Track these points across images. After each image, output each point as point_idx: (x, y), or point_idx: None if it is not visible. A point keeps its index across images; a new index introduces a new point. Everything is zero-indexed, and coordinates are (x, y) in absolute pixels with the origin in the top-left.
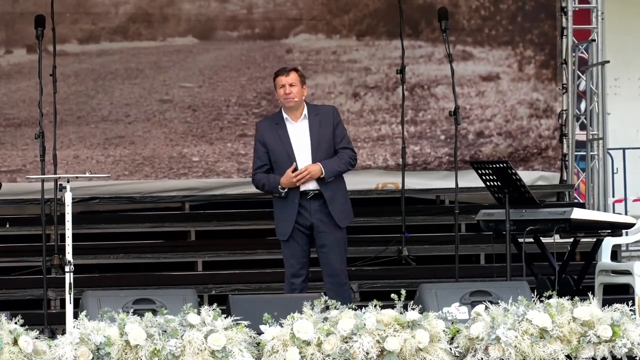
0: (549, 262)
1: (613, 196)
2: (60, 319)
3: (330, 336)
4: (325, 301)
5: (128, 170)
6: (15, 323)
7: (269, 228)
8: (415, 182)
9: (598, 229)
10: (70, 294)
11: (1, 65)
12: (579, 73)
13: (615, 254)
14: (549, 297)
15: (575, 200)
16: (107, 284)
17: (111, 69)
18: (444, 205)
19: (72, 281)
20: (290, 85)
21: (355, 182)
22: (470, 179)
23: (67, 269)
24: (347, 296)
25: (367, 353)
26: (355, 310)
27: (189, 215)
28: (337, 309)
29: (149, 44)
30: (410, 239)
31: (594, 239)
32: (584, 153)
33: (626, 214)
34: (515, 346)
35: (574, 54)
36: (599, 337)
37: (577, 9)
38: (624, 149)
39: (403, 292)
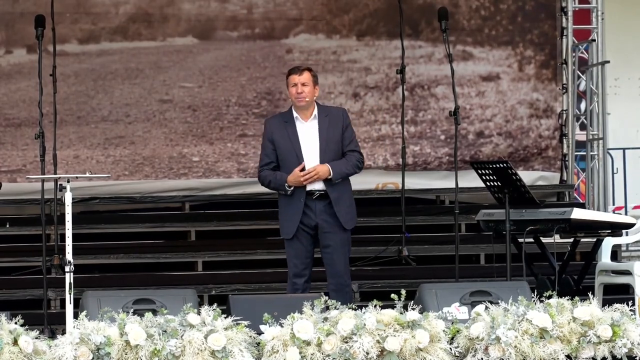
0: (549, 262)
1: (613, 196)
2: (60, 319)
3: (330, 336)
4: (325, 301)
5: (128, 170)
6: (15, 323)
7: (269, 228)
8: (415, 182)
9: (598, 229)
10: (70, 294)
11: (1, 65)
12: (579, 73)
13: (615, 254)
14: (549, 297)
15: (575, 201)
16: (107, 284)
17: (111, 69)
18: (444, 205)
19: (72, 281)
20: (303, 84)
21: (355, 182)
22: (471, 179)
23: (67, 269)
24: (348, 298)
25: (367, 353)
26: (355, 310)
27: (189, 215)
28: (337, 309)
29: (149, 44)
30: (410, 239)
31: (594, 239)
32: (584, 153)
33: (626, 211)
34: (515, 346)
35: (574, 54)
36: (599, 337)
37: (577, 9)
38: (624, 149)
39: (403, 292)
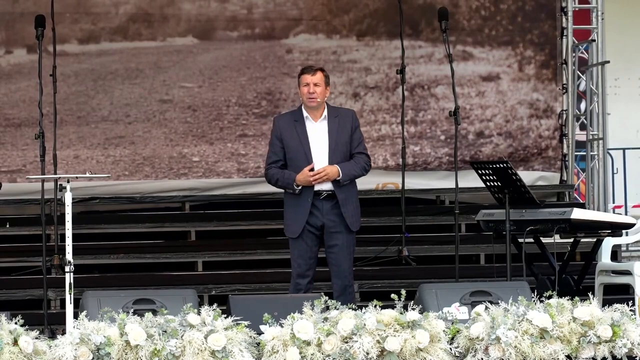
0: (549, 262)
1: (613, 196)
2: (60, 319)
3: (330, 336)
4: (326, 301)
5: (128, 170)
6: (16, 323)
7: (269, 228)
8: (415, 182)
9: (598, 229)
10: (70, 294)
11: (1, 65)
12: (579, 73)
13: (615, 254)
14: (549, 297)
15: (575, 201)
16: (107, 284)
17: (111, 69)
18: (444, 205)
19: (72, 281)
20: (315, 84)
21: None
22: (471, 179)
23: (67, 269)
24: (350, 299)
25: (367, 353)
26: (355, 310)
27: (189, 215)
28: (337, 309)
29: (149, 44)
30: (410, 239)
31: (594, 239)
32: (584, 153)
33: (626, 211)
34: (516, 346)
35: (574, 54)
36: (599, 337)
37: (577, 9)
38: (624, 149)
39: (403, 292)
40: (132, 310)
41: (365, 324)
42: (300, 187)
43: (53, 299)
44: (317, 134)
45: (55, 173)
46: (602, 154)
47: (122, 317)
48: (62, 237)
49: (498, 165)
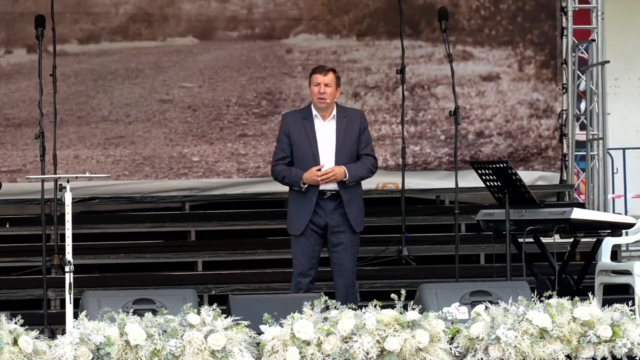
0: (549, 262)
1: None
2: (60, 319)
3: (330, 336)
4: (326, 301)
5: (128, 170)
6: (15, 323)
7: (269, 228)
8: (415, 182)
9: (598, 229)
10: (70, 294)
11: (1, 65)
12: (579, 73)
13: (615, 254)
14: (549, 297)
15: (575, 200)
16: (107, 284)
17: (111, 69)
18: (444, 205)
19: (72, 281)
20: (326, 85)
21: None
22: (471, 179)
23: (67, 269)
24: (352, 299)
25: (367, 353)
26: (355, 310)
27: (189, 215)
28: (337, 309)
29: (149, 44)
30: (410, 239)
31: (594, 239)
32: (584, 153)
33: (626, 211)
34: (515, 346)
35: (574, 54)
36: (599, 337)
37: (577, 9)
38: (624, 149)
39: (403, 292)
40: (132, 310)
41: (365, 324)
42: (306, 186)
43: (53, 299)
44: (325, 133)
45: (55, 173)
46: (602, 154)
47: (122, 317)
48: (62, 237)
49: (498, 165)
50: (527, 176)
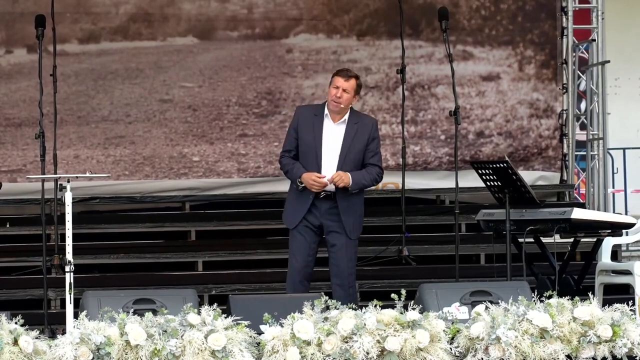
0: (549, 262)
1: (613, 195)
2: (60, 319)
3: (330, 336)
4: (326, 301)
5: (128, 170)
6: (16, 323)
7: (269, 228)
8: (415, 182)
9: (598, 229)
10: (70, 294)
11: (1, 65)
12: (579, 73)
13: (615, 254)
14: (549, 297)
15: (575, 200)
16: (107, 284)
17: (111, 69)
18: (444, 205)
19: (72, 281)
20: (344, 90)
21: None
22: (471, 179)
23: (67, 269)
24: (352, 299)
25: (367, 353)
26: (356, 310)
27: (189, 215)
28: (337, 309)
29: (149, 44)
30: (410, 239)
31: (594, 239)
32: (584, 153)
33: (626, 211)
34: (516, 346)
35: (574, 54)
36: (599, 337)
37: (577, 9)
38: (624, 149)
39: (403, 292)
40: (132, 310)
41: (365, 324)
42: (303, 185)
43: (53, 299)
44: (332, 134)
45: (55, 173)
46: (602, 154)
47: (122, 317)
48: (62, 237)
49: (498, 165)
50: (527, 176)
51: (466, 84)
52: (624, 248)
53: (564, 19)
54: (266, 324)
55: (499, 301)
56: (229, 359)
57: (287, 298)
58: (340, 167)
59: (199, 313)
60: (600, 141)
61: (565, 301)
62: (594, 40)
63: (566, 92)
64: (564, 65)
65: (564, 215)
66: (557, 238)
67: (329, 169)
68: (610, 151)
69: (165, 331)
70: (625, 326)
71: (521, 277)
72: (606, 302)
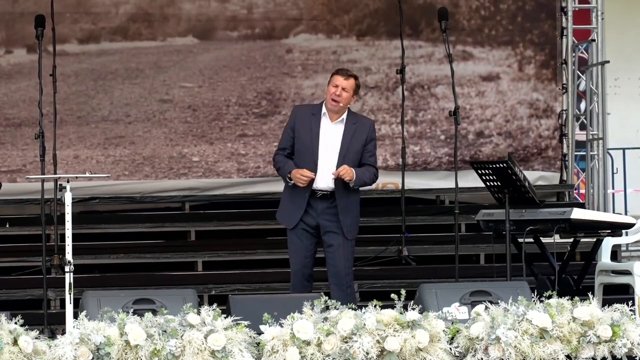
0: (549, 262)
1: (613, 195)
2: (60, 319)
3: (330, 336)
4: (325, 301)
5: (128, 170)
6: (15, 323)
7: (269, 228)
8: (415, 182)
9: (598, 229)
10: (70, 294)
11: (1, 65)
12: (579, 73)
13: (615, 254)
14: (549, 297)
15: (575, 200)
16: (107, 284)
17: (111, 69)
18: (444, 205)
19: (72, 281)
20: (343, 89)
21: None
22: (470, 179)
23: (67, 269)
24: (350, 299)
25: (367, 353)
26: (355, 310)
27: (189, 215)
28: (337, 309)
29: (149, 44)
30: (410, 239)
31: (594, 239)
32: (584, 153)
33: (626, 211)
34: (515, 346)
35: (574, 54)
36: (599, 337)
37: (577, 9)
38: (624, 149)
39: (403, 292)
40: (132, 310)
41: (365, 324)
42: (292, 182)
43: (53, 299)
44: (330, 133)
45: (55, 173)
46: (602, 154)
47: (122, 317)
48: (62, 237)
49: (498, 165)
50: (527, 176)
51: (466, 84)
52: (623, 248)
53: (564, 19)
54: (266, 324)
55: (499, 301)
56: (228, 359)
57: (287, 298)
58: (338, 166)
59: (198, 313)
60: (600, 141)
61: (565, 301)
62: (594, 40)
63: (566, 92)
64: (564, 65)
65: (563, 215)
66: (556, 238)
67: (326, 167)
68: (610, 151)
69: (165, 331)
70: (625, 326)
71: (521, 277)
72: (606, 302)
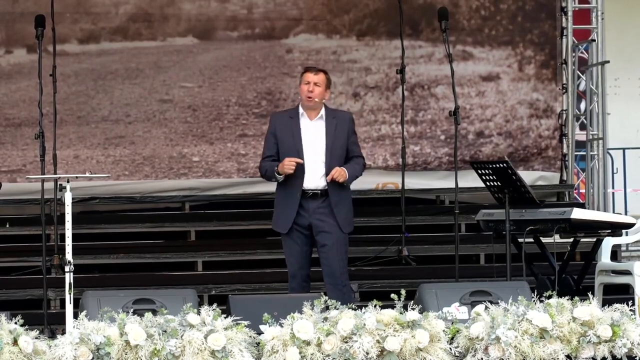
0: (549, 262)
1: (613, 195)
2: (60, 319)
3: (330, 336)
4: (325, 301)
5: (128, 170)
6: (15, 323)
7: (269, 228)
8: (415, 182)
9: (598, 229)
10: (70, 294)
11: (1, 65)
12: (579, 73)
13: (615, 254)
14: (549, 297)
15: (575, 200)
16: (107, 284)
17: (111, 69)
18: (444, 205)
19: (72, 281)
20: (315, 84)
21: (355, 182)
22: (470, 179)
23: (67, 269)
24: (347, 298)
25: (367, 353)
26: (355, 310)
27: (189, 215)
28: (337, 309)
29: (149, 44)
30: (410, 239)
31: (594, 239)
32: (584, 153)
33: (626, 211)
34: (515, 346)
35: (574, 54)
36: (599, 337)
37: (577, 9)
38: (624, 149)
39: (403, 292)
40: (132, 310)
41: (365, 324)
42: (282, 176)
43: (53, 299)
44: (312, 132)
45: (55, 173)
46: (602, 154)
47: (122, 317)
48: (62, 237)
49: (498, 165)
50: (527, 176)
51: (466, 84)
52: (623, 248)
53: (564, 19)
54: (266, 324)
55: (499, 301)
56: (228, 359)
57: (287, 298)
58: (328, 161)
59: (198, 313)
60: (600, 141)
61: (565, 301)
62: (594, 40)
63: (566, 92)
64: (564, 65)
65: (563, 215)
66: (556, 238)
67: (314, 166)
68: (610, 151)
69: (165, 331)
70: (625, 326)
71: (521, 277)
72: (606, 302)
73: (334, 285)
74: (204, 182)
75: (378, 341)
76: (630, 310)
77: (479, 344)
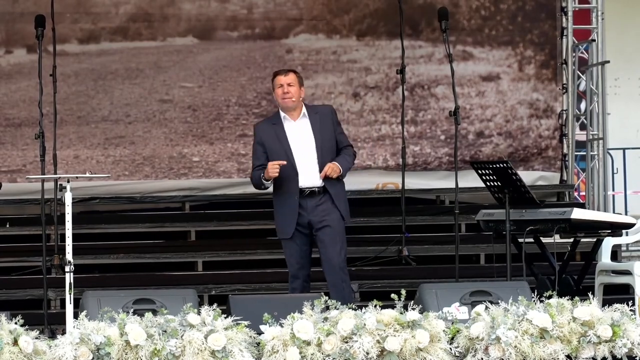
0: (549, 262)
1: (613, 196)
2: (60, 319)
3: (330, 336)
4: (326, 301)
5: (128, 170)
6: (15, 323)
7: (269, 228)
8: (415, 182)
9: (598, 229)
10: (70, 294)
11: (1, 65)
12: (579, 73)
13: (615, 254)
14: (549, 297)
15: (575, 200)
16: (107, 284)
17: (111, 69)
18: (444, 205)
19: (72, 281)
20: (289, 84)
21: (355, 182)
22: (470, 179)
23: (67, 269)
24: (347, 295)
25: (367, 353)
26: (355, 310)
27: (189, 215)
28: (337, 309)
29: (149, 44)
30: (410, 239)
31: (594, 239)
32: (584, 153)
33: (626, 211)
34: (516, 346)
35: (574, 54)
36: (599, 337)
37: (577, 9)
38: (624, 149)
39: (403, 292)
40: (132, 310)
41: (365, 324)
42: (270, 182)
43: (53, 299)
44: (298, 132)
45: (55, 173)
46: (602, 154)
47: (122, 317)
48: (62, 237)
49: (498, 165)
50: (527, 176)
51: (466, 84)
52: (623, 248)
53: (564, 19)
54: (266, 324)
55: (499, 301)
56: (228, 359)
57: (287, 298)
58: (321, 159)
59: (198, 313)
60: (600, 141)
61: (565, 301)
62: (594, 40)
63: (566, 92)
64: (564, 65)
65: (563, 215)
66: (557, 238)
67: (306, 165)
68: (610, 151)
69: (165, 331)
70: (625, 326)
71: (521, 277)
72: (606, 302)
73: (333, 281)
74: (204, 182)
75: (378, 341)
76: (631, 310)
77: (479, 344)
